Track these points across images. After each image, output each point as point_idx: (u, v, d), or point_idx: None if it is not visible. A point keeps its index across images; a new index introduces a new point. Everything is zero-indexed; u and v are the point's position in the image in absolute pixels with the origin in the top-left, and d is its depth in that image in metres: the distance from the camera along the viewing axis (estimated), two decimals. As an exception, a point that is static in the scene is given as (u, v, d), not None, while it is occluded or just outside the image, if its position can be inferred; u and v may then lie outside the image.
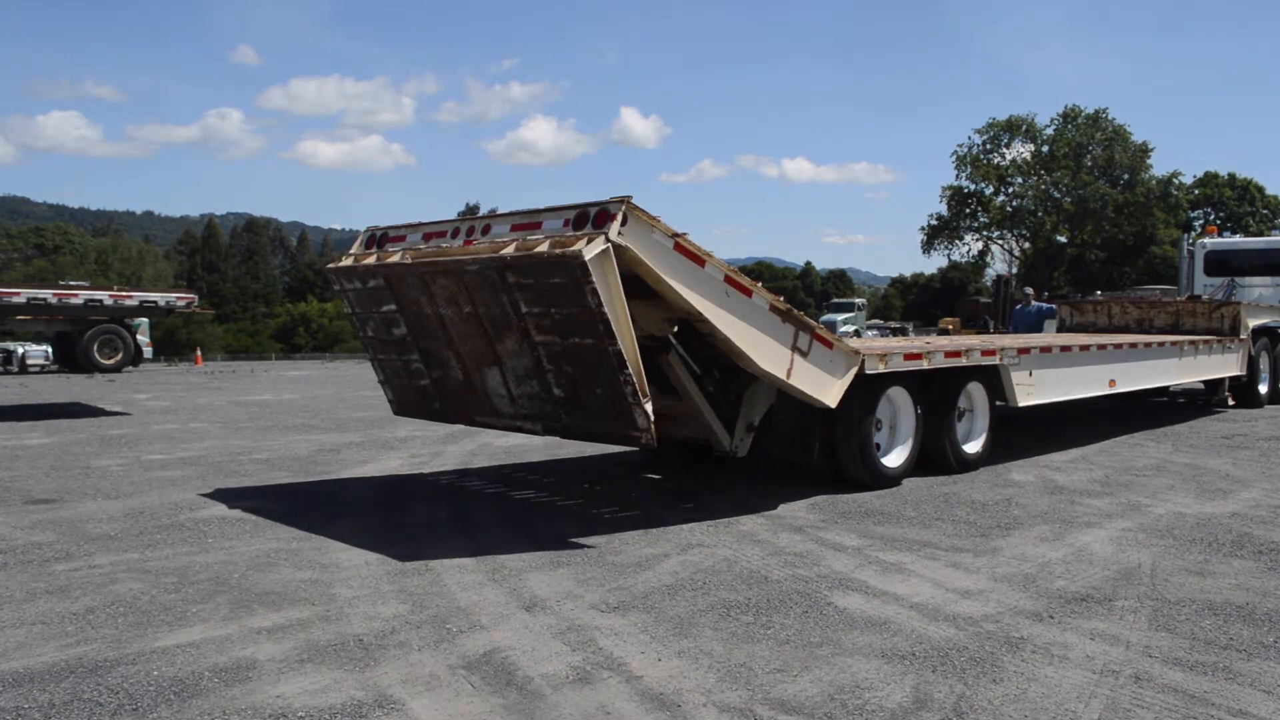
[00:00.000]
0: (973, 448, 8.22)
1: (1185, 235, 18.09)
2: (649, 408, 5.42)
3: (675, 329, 6.56)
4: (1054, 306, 14.66)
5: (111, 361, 21.71)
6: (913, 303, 75.15)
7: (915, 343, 9.10)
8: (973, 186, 60.15)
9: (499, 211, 6.93)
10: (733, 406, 7.12)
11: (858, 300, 57.68)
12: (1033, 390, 8.65)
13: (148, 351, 26.13)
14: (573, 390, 5.75)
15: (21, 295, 16.13)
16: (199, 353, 34.35)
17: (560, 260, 5.30)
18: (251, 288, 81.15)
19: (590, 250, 5.22)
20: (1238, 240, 20.85)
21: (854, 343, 7.54)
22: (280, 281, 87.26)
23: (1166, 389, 14.06)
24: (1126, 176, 56.96)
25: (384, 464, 8.81)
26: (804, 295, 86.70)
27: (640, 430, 5.52)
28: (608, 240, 5.28)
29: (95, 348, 21.40)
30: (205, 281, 75.65)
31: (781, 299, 6.43)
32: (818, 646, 3.97)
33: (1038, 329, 13.83)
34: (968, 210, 60.65)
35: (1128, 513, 6.54)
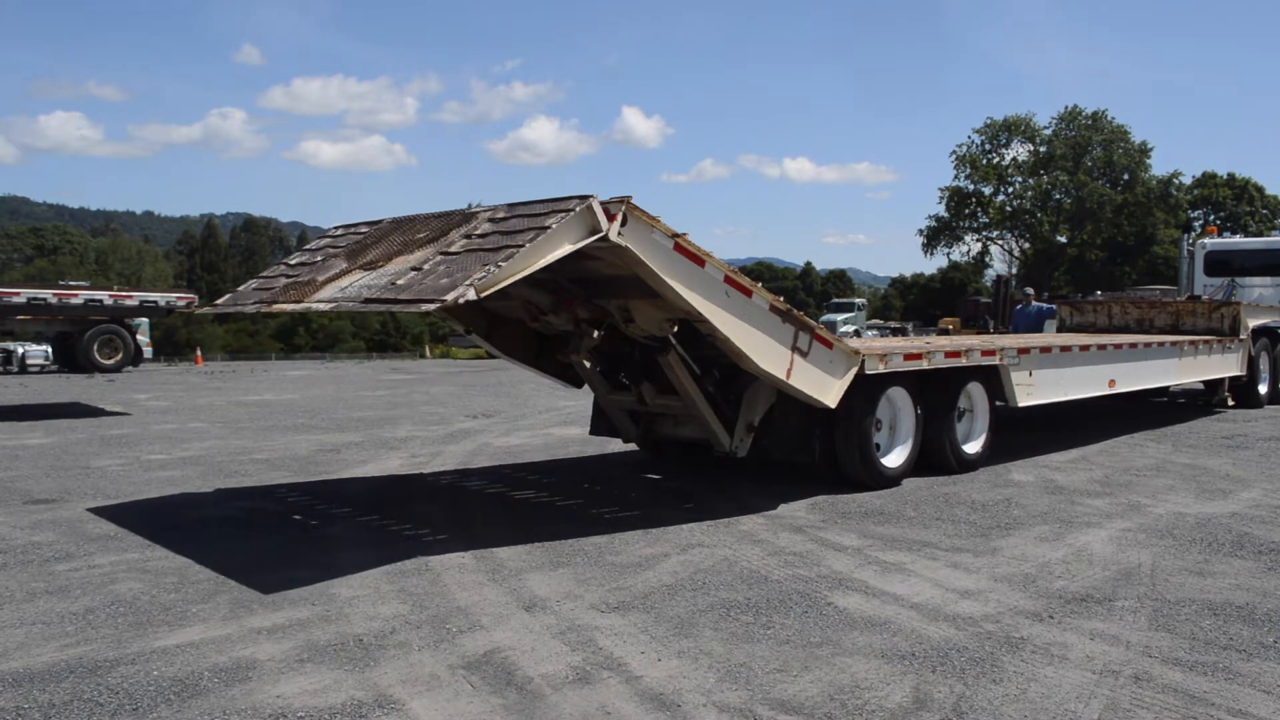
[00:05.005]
0: (973, 448, 8.22)
1: (1185, 235, 18.07)
2: (440, 309, 4.86)
3: (675, 329, 6.56)
4: (1054, 306, 14.65)
5: (111, 361, 21.72)
6: (913, 303, 75.11)
7: (915, 343, 9.10)
8: (972, 187, 60.16)
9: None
10: (733, 406, 7.12)
11: (858, 300, 57.60)
12: (1033, 390, 8.65)
13: (148, 351, 26.14)
14: (394, 286, 5.25)
15: (21, 295, 16.17)
16: (199, 353, 34.33)
17: (559, 201, 5.26)
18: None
19: (598, 205, 5.19)
20: (1238, 240, 20.85)
21: (854, 343, 7.54)
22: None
23: (1166, 389, 14.06)
24: (1126, 177, 56.98)
25: (384, 464, 8.81)
26: (804, 295, 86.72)
27: (435, 300, 4.73)
28: (605, 237, 5.29)
29: (95, 348, 21.41)
30: (205, 281, 75.65)
31: (781, 299, 6.43)
32: (818, 646, 3.97)
33: (1038, 329, 13.83)
34: (967, 210, 60.64)
35: (1128, 513, 6.54)
